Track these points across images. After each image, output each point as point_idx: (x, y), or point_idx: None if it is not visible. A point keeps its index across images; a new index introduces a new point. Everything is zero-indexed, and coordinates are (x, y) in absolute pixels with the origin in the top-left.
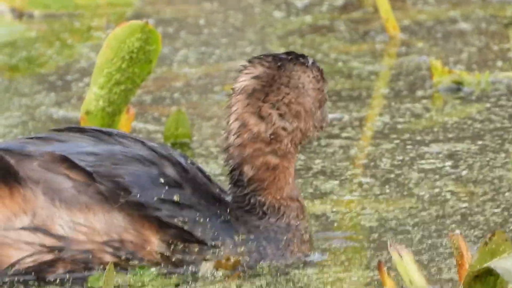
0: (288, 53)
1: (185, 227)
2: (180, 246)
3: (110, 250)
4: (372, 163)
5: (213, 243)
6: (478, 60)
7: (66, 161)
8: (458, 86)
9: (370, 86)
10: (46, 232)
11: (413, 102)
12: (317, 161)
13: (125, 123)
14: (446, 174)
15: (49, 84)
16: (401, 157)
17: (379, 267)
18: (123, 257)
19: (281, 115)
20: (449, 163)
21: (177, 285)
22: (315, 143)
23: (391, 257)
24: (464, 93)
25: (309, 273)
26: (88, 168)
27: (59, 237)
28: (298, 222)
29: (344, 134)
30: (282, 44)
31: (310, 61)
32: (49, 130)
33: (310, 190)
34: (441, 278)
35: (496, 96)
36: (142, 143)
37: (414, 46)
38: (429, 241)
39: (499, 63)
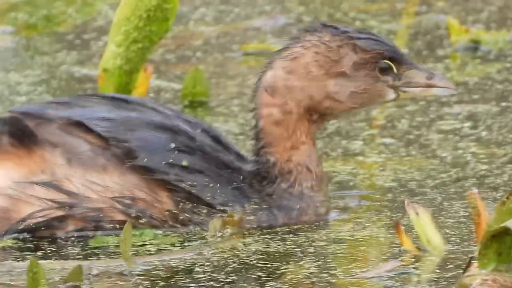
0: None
1: (193, 191)
2: (189, 206)
3: (121, 207)
4: (391, 124)
5: (221, 208)
6: (497, 19)
7: (83, 126)
8: (475, 45)
9: None
10: (58, 189)
11: (431, 61)
12: (352, 119)
13: (143, 82)
14: (466, 135)
15: (67, 43)
16: (422, 118)
17: (396, 226)
18: (133, 215)
19: (286, 70)
20: (470, 124)
21: (176, 243)
22: None
23: (409, 217)
24: (482, 52)
25: (324, 232)
26: (104, 133)
27: (70, 194)
28: (312, 193)
29: None
30: (301, 3)
31: (340, 28)
32: (69, 97)
33: (333, 150)
34: (458, 238)
35: None
36: (156, 110)
37: (434, 5)
38: (448, 202)
39: None
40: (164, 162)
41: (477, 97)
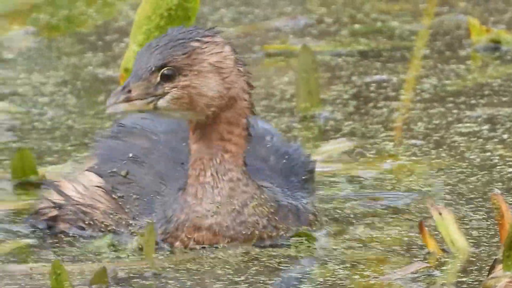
0: None
1: (120, 201)
2: (116, 217)
3: (81, 214)
4: (421, 125)
5: (131, 222)
6: None
7: None
8: (496, 45)
9: (410, 46)
10: (58, 190)
11: (453, 62)
12: (368, 121)
13: None
14: (491, 138)
15: (90, 44)
16: (447, 120)
17: (420, 227)
18: (87, 222)
19: None
20: (491, 126)
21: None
22: (371, 104)
23: (433, 218)
24: (502, 52)
25: (349, 235)
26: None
27: (65, 195)
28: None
29: (400, 96)
30: (322, 4)
31: None
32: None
33: (366, 151)
34: (482, 239)
35: None
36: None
37: (456, 5)
38: (471, 204)
39: None
40: (109, 171)
41: (501, 99)
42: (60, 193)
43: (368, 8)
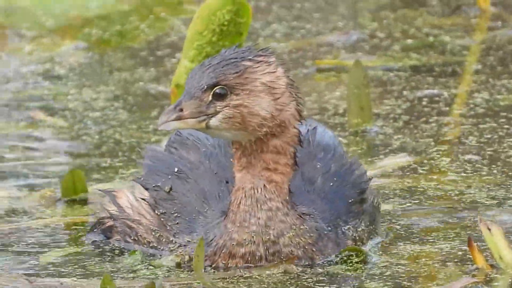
0: None
1: (162, 218)
2: (158, 234)
3: (126, 227)
4: (472, 139)
5: (171, 239)
6: None
7: None
8: None
9: (462, 61)
10: (113, 200)
11: (505, 77)
12: (419, 136)
13: None
14: None
15: (141, 59)
16: (498, 135)
17: (469, 242)
18: (132, 237)
19: None
20: None
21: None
22: (423, 119)
23: (481, 233)
24: None
25: (394, 246)
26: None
27: (118, 206)
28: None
29: (455, 111)
30: (374, 19)
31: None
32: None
33: (421, 166)
34: None
35: None
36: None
37: (509, 20)
38: None
39: None
40: (154, 185)
41: None
42: (115, 204)
43: (420, 23)
